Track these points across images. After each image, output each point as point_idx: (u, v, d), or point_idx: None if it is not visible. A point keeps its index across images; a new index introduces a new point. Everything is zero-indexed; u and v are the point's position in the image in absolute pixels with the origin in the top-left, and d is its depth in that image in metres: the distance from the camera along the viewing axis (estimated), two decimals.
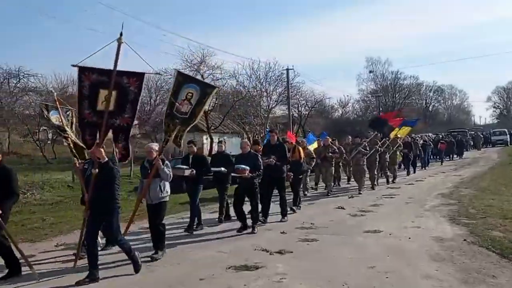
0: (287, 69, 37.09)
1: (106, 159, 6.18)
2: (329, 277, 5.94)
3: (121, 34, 6.16)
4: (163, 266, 6.78)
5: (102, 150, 6.25)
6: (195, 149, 9.78)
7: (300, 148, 11.76)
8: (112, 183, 6.27)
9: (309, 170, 14.30)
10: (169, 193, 7.46)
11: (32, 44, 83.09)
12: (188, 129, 7.72)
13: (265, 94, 39.48)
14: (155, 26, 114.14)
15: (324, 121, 54.74)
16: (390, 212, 10.95)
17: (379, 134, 16.93)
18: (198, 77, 36.17)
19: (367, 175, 15.43)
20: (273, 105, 40.40)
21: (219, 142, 11.18)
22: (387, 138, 17.35)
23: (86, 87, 6.63)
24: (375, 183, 16.01)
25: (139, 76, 6.85)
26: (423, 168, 23.40)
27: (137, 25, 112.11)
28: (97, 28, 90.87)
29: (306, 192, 14.74)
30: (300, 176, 11.70)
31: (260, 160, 9.06)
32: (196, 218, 9.51)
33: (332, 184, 15.26)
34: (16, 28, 77.73)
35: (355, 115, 59.94)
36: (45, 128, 36.09)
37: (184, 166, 9.43)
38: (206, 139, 34.48)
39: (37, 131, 33.96)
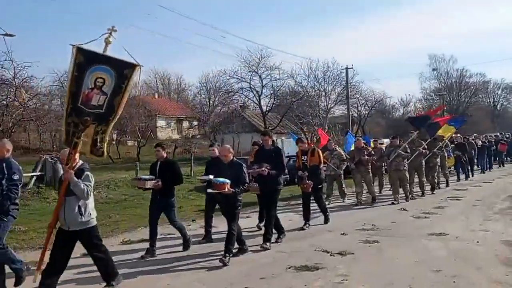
0: (346, 68, 36.68)
1: None
2: (392, 280, 5.79)
3: None
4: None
5: None
6: (163, 153, 7.86)
7: (319, 151, 9.92)
8: None
9: (341, 175, 13.16)
10: (93, 216, 5.62)
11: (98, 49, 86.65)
12: (110, 129, 5.69)
13: (323, 94, 39.25)
14: (213, 27, 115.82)
15: (385, 121, 53.63)
16: (456, 214, 10.53)
17: (428, 135, 14.62)
18: (256, 78, 36.78)
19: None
20: (332, 105, 40.09)
21: (211, 145, 9.45)
22: (437, 139, 15.08)
23: None
24: (423, 190, 13.90)
25: None
26: (482, 172, 20.82)
27: (195, 25, 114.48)
28: (159, 31, 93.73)
29: (344, 200, 13.26)
30: (320, 186, 9.92)
31: (246, 171, 7.27)
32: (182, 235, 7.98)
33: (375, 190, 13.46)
34: (81, 32, 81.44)
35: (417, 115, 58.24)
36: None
37: (147, 176, 7.82)
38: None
39: None
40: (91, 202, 5.56)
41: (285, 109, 37.85)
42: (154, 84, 65.64)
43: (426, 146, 14.08)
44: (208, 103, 44.17)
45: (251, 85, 36.77)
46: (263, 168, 7.85)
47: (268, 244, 7.77)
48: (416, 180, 14.04)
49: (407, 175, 13.01)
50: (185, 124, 49.55)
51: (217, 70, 49.21)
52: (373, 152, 13.55)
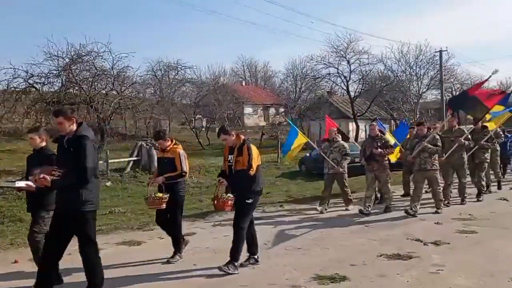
0: (440, 51, 34.89)
1: None
2: (492, 271, 5.48)
3: None
4: (314, 250, 6.83)
5: None
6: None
7: (252, 148, 6.01)
8: None
9: (344, 174, 10.23)
10: None
11: (187, 38, 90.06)
12: None
13: (415, 78, 37.79)
14: (300, 12, 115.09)
15: None
16: None
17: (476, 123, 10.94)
18: (344, 63, 36.06)
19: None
20: (424, 90, 38.49)
21: (33, 129, 5.85)
22: (485, 129, 11.34)
23: None
24: (465, 195, 10.45)
25: None
26: None
27: (282, 12, 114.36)
28: (246, 19, 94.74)
29: (348, 207, 10.28)
30: (250, 200, 6.01)
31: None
32: None
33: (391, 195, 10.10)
34: (172, 23, 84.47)
35: None
36: (200, 116, 38.98)
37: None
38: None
39: (193, 119, 36.68)
40: None
41: (374, 95, 36.88)
42: (241, 71, 66.98)
43: (469, 136, 10.49)
44: (294, 90, 44.21)
45: (338, 71, 36.13)
46: (42, 176, 4.61)
47: None
48: (456, 181, 10.73)
49: (438, 176, 9.59)
50: (272, 110, 49.99)
51: (304, 56, 49.07)
52: (391, 144, 10.19)
